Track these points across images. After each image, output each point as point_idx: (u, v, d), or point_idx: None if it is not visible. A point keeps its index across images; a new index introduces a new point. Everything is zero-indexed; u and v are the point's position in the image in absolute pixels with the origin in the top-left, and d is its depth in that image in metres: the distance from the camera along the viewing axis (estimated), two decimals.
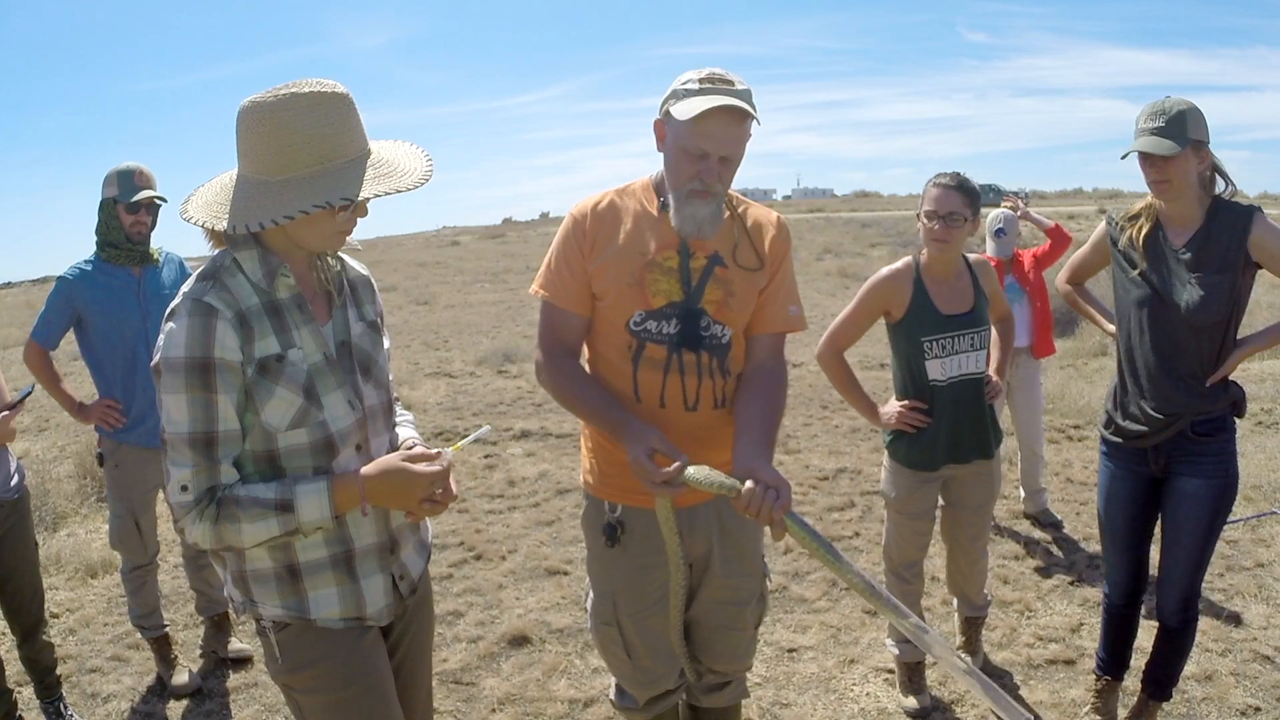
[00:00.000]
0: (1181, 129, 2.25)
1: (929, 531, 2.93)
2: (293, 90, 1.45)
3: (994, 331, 3.08)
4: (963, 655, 1.76)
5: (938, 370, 2.73)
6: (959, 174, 2.72)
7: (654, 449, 1.76)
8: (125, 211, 3.00)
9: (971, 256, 2.86)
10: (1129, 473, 2.56)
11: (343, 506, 1.54)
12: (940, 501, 2.95)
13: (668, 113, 1.84)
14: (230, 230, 1.46)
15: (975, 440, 2.81)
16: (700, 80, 1.80)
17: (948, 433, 2.77)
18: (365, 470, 1.55)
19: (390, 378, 1.78)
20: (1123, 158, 2.33)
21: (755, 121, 1.83)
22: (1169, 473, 2.49)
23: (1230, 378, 2.42)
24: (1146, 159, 2.30)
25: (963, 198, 2.67)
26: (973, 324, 2.74)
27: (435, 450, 1.63)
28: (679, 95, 1.82)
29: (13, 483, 2.77)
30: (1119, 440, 2.55)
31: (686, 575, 1.97)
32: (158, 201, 3.05)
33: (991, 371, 2.92)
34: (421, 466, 1.56)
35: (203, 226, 1.53)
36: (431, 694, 1.96)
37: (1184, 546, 2.47)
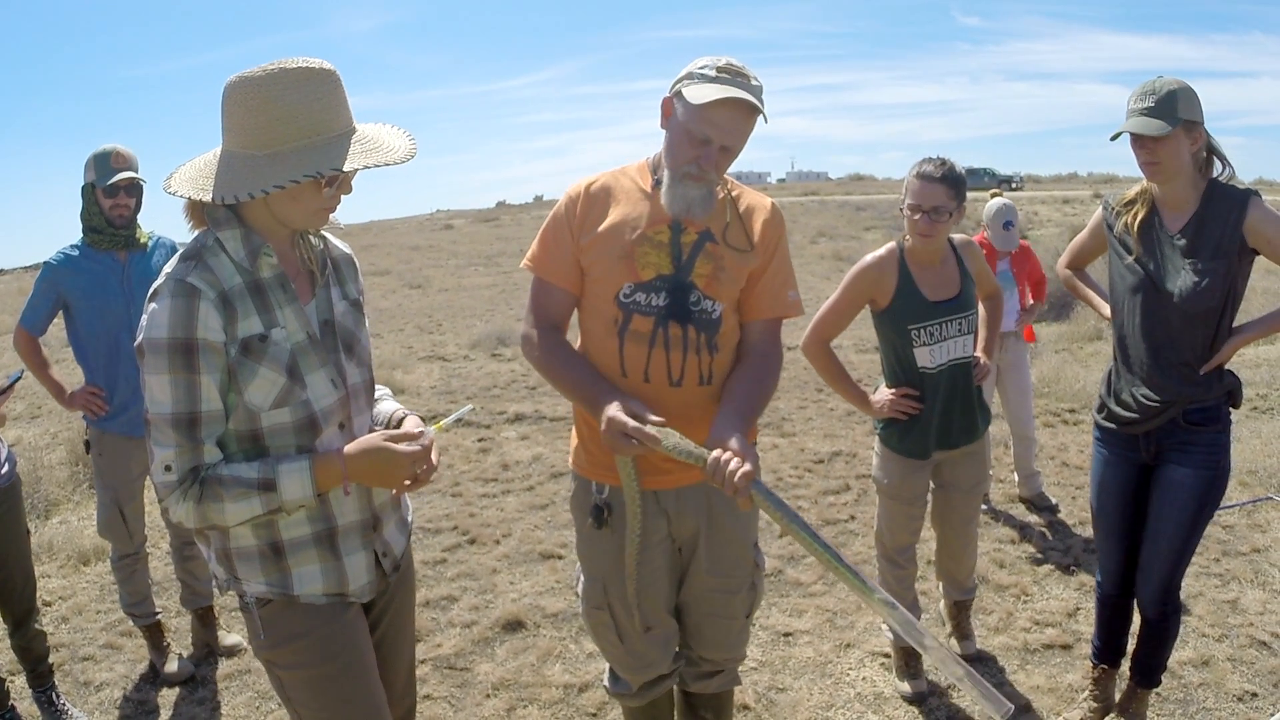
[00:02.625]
0: (1172, 109, 2.20)
1: (922, 516, 2.91)
2: (281, 65, 1.46)
3: (981, 310, 3.05)
4: (922, 627, 1.72)
5: (927, 358, 2.69)
6: (944, 162, 2.61)
7: (632, 410, 1.78)
8: (104, 195, 2.94)
9: (956, 238, 2.80)
10: (1121, 459, 2.53)
11: (324, 485, 1.55)
12: (931, 485, 2.93)
13: (679, 92, 1.85)
14: (217, 200, 1.46)
15: (965, 424, 2.79)
16: (718, 69, 1.82)
17: (939, 419, 2.75)
18: (347, 449, 1.57)
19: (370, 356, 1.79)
20: (1112, 139, 2.29)
21: (763, 119, 1.86)
22: (1159, 461, 2.45)
23: (1226, 366, 2.38)
24: (1137, 140, 2.26)
25: (947, 190, 2.57)
26: (960, 309, 2.70)
27: (418, 429, 1.64)
28: (694, 78, 1.83)
29: (3, 470, 2.75)
30: (1111, 426, 2.52)
31: (640, 520, 1.98)
32: (139, 182, 2.99)
33: (980, 352, 2.89)
34: (403, 446, 1.57)
35: (187, 199, 1.53)
36: (414, 671, 1.99)
37: (1166, 536, 2.42)
